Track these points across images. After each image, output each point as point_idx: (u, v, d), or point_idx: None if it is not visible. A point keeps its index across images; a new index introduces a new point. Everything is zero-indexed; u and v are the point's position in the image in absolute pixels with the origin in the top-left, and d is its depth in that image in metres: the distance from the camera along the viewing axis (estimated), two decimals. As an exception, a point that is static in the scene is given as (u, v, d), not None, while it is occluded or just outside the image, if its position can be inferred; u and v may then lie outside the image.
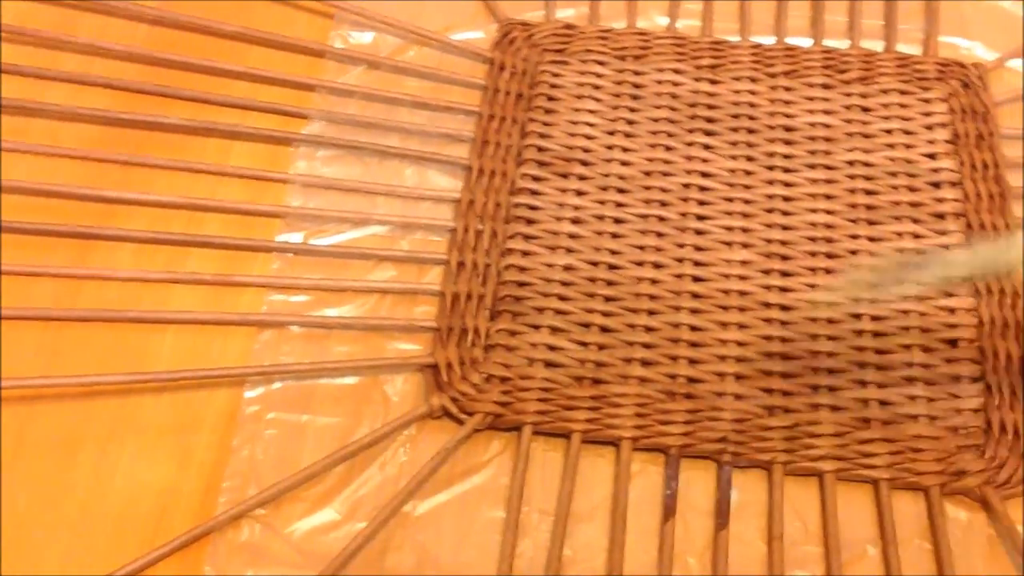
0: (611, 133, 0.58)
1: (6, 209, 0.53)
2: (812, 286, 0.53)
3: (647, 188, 0.56)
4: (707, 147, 0.58)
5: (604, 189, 0.56)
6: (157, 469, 0.47)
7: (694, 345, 0.51)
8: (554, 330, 0.51)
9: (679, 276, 0.53)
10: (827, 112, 0.59)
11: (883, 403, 0.49)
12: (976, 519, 0.47)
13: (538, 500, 0.47)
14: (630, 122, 0.59)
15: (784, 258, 0.54)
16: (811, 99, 0.60)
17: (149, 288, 0.52)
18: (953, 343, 0.51)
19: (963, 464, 0.47)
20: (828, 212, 0.55)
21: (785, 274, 0.53)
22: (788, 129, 0.59)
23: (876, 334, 0.51)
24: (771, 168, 0.57)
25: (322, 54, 0.61)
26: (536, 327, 0.51)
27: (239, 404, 0.48)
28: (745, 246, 0.54)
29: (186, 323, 0.51)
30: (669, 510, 0.46)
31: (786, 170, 0.57)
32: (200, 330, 0.51)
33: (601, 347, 0.51)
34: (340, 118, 0.58)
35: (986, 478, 0.47)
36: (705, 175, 0.57)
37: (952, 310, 0.52)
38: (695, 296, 0.53)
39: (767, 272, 0.53)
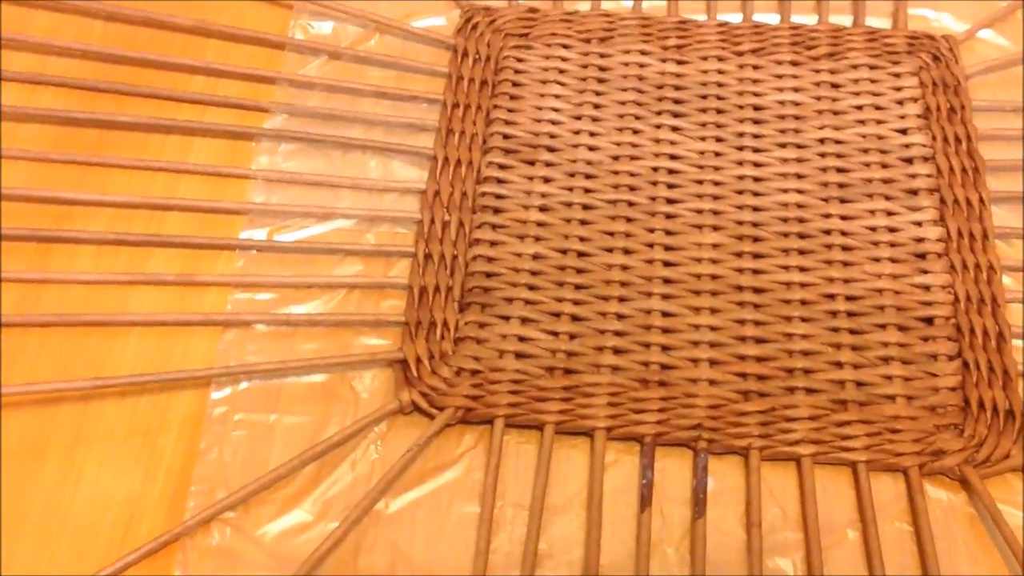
0: (577, 118, 0.58)
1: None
2: (785, 267, 0.52)
3: (615, 173, 0.55)
4: (675, 129, 0.57)
5: (572, 175, 0.55)
6: (123, 476, 0.46)
7: (667, 331, 0.50)
8: (524, 320, 0.50)
9: (650, 261, 0.52)
10: (796, 90, 0.59)
11: (859, 384, 0.49)
12: (956, 499, 0.46)
13: (512, 494, 0.46)
14: (596, 106, 0.58)
15: (756, 240, 0.53)
16: (780, 77, 0.59)
17: (111, 290, 0.51)
18: (929, 321, 0.51)
19: (942, 444, 0.47)
20: (799, 192, 0.55)
21: (757, 256, 0.53)
22: (757, 108, 0.58)
23: (851, 314, 0.51)
24: (741, 148, 0.56)
25: (282, 46, 0.60)
26: (506, 318, 0.51)
27: (205, 406, 0.48)
28: (716, 229, 0.53)
29: (149, 325, 0.50)
30: (645, 500, 0.46)
31: (756, 150, 0.56)
32: (163, 332, 0.50)
33: (572, 336, 0.50)
34: (301, 111, 0.57)
35: (965, 457, 0.46)
36: (674, 157, 0.56)
37: (927, 287, 0.51)
38: (666, 281, 0.52)
39: (739, 255, 0.53)
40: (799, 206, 0.54)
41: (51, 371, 0.48)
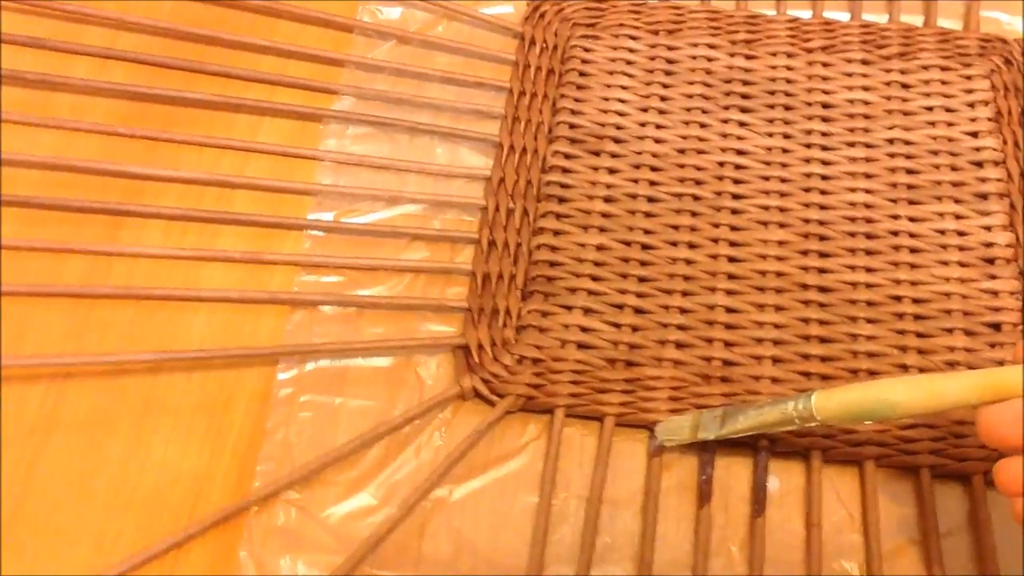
0: (644, 110, 0.57)
1: (32, 184, 0.53)
2: (851, 267, 0.52)
3: (681, 166, 0.55)
4: (743, 124, 0.57)
5: (637, 167, 0.55)
6: (191, 452, 0.46)
7: (730, 327, 0.50)
8: (587, 311, 0.51)
9: (714, 256, 0.52)
10: (866, 88, 0.58)
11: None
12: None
13: (577, 486, 0.46)
14: (663, 98, 0.58)
15: (822, 238, 0.53)
16: (849, 75, 0.59)
17: (180, 267, 0.51)
18: (996, 327, 0.50)
19: (1006, 450, 0.46)
20: (867, 191, 0.54)
21: (823, 255, 0.52)
22: (826, 106, 0.58)
23: (917, 317, 0.50)
24: (808, 146, 0.56)
25: (351, 29, 0.60)
26: (568, 308, 0.51)
27: (272, 386, 0.48)
28: (782, 226, 0.53)
29: (215, 301, 0.50)
30: (704, 496, 0.46)
31: (824, 148, 0.56)
32: (231, 311, 0.50)
33: (635, 329, 0.50)
34: (370, 94, 0.57)
35: (1030, 465, 0.46)
36: (741, 153, 0.56)
37: (995, 293, 0.51)
38: (731, 277, 0.52)
39: (805, 253, 0.52)
40: (867, 206, 0.54)
41: (120, 344, 0.49)
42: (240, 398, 0.48)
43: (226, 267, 0.51)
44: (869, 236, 0.53)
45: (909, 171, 0.55)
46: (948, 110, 0.57)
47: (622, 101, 0.58)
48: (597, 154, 0.56)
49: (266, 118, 0.57)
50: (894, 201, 0.54)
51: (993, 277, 0.52)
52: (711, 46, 0.60)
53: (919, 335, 0.50)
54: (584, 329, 0.50)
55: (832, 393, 0.41)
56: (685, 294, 0.51)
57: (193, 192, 0.53)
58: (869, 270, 0.52)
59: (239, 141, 0.55)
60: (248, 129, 0.56)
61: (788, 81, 0.59)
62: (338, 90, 0.57)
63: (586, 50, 0.60)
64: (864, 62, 0.59)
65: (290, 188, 0.54)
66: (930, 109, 0.57)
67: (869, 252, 0.52)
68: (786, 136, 0.56)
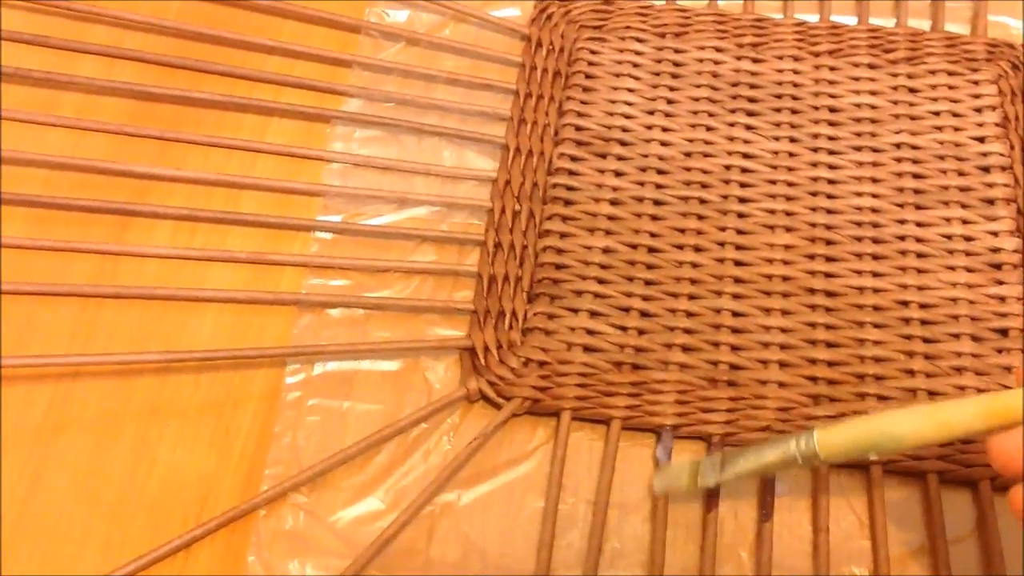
0: (650, 112, 0.57)
1: (39, 184, 0.53)
2: (858, 272, 0.52)
3: (687, 169, 0.55)
4: (749, 128, 0.57)
5: (643, 170, 0.55)
6: (198, 454, 0.46)
7: (736, 331, 0.50)
8: (593, 314, 0.51)
9: (721, 260, 0.52)
10: (873, 93, 0.58)
11: (931, 393, 0.48)
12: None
13: (585, 491, 0.46)
14: (670, 101, 0.58)
15: (829, 243, 0.53)
16: (856, 79, 0.59)
17: (187, 267, 0.51)
18: (1004, 332, 0.50)
19: (1012, 456, 0.46)
20: (874, 196, 0.54)
21: (830, 259, 0.52)
22: (833, 110, 0.58)
23: (924, 322, 0.50)
24: (815, 150, 0.56)
25: (358, 30, 0.60)
26: (574, 311, 0.51)
27: (279, 389, 0.48)
28: (789, 230, 0.53)
29: (222, 302, 0.50)
30: (713, 501, 0.46)
31: (831, 152, 0.56)
32: (239, 314, 0.50)
33: (641, 332, 0.50)
34: (377, 96, 0.57)
35: (1036, 471, 0.46)
36: (747, 156, 0.56)
37: (1003, 298, 0.51)
38: (737, 281, 0.52)
39: (811, 257, 0.52)
40: (874, 210, 0.54)
41: (127, 345, 0.49)
42: (248, 401, 0.48)
43: (234, 268, 0.51)
44: (876, 241, 0.53)
45: (916, 176, 0.55)
46: (955, 115, 0.57)
47: (628, 104, 0.58)
48: (603, 157, 0.56)
49: (273, 119, 0.57)
50: (901, 206, 0.54)
51: (1000, 283, 0.52)
52: (718, 49, 0.60)
53: (925, 340, 0.50)
54: (590, 332, 0.50)
55: (835, 430, 0.41)
56: (691, 297, 0.51)
57: (201, 192, 0.53)
58: (876, 275, 0.52)
59: (246, 141, 0.55)
60: (255, 130, 0.56)
61: (795, 85, 0.59)
62: (345, 91, 0.57)
63: (593, 52, 0.60)
64: (871, 66, 0.59)
65: (298, 189, 0.54)
66: (937, 114, 0.57)
67: (876, 257, 0.52)
68: (793, 140, 0.57)
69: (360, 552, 0.43)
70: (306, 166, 0.55)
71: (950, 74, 0.59)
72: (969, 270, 0.52)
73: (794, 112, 0.58)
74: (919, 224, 0.53)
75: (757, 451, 0.43)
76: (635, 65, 0.59)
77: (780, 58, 0.60)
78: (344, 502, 0.45)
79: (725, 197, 0.54)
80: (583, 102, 0.58)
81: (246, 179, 0.54)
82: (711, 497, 0.46)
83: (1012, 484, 0.38)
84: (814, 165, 0.56)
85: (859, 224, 0.53)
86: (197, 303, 0.50)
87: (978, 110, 0.58)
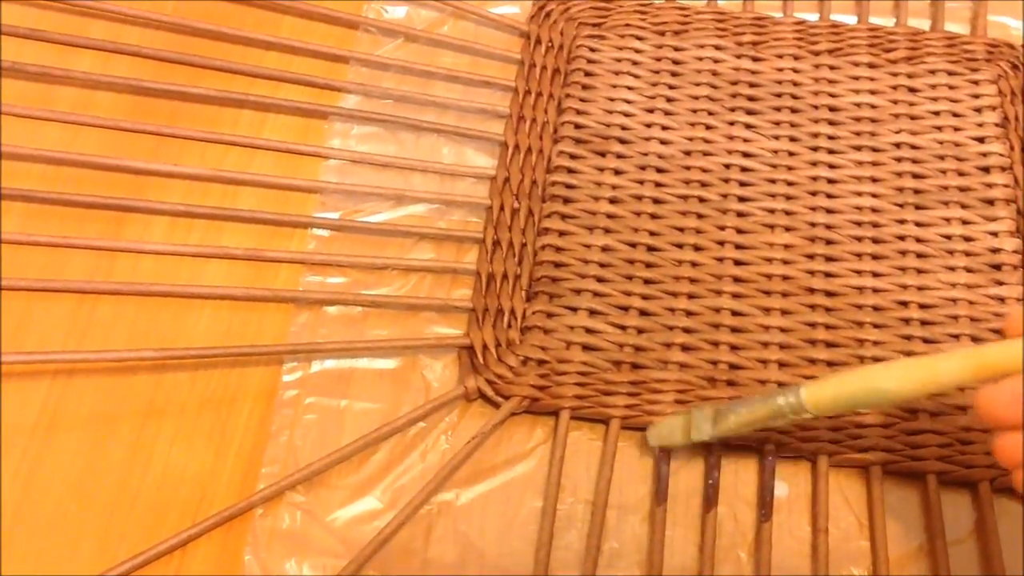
0: (650, 111, 0.57)
1: (36, 179, 0.52)
2: (858, 272, 0.52)
3: (687, 168, 0.55)
4: (749, 126, 0.57)
5: (643, 168, 0.55)
6: (195, 452, 0.46)
7: (736, 331, 0.50)
8: (592, 312, 0.50)
9: (720, 259, 0.52)
10: (873, 92, 0.58)
11: (931, 393, 0.48)
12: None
13: (584, 491, 0.46)
14: (669, 99, 0.58)
15: (828, 242, 0.53)
16: (856, 79, 0.59)
17: (184, 263, 0.51)
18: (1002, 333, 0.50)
19: (1012, 457, 0.46)
20: (874, 196, 0.54)
21: (829, 259, 0.52)
22: (832, 109, 0.57)
23: (924, 322, 0.50)
24: (815, 149, 0.56)
25: (356, 26, 0.60)
26: (573, 309, 0.50)
27: (276, 387, 0.48)
28: (788, 229, 0.53)
29: (218, 299, 0.50)
30: (710, 501, 0.46)
31: (830, 151, 0.56)
32: (236, 311, 0.50)
33: (640, 331, 0.50)
34: (375, 92, 0.57)
35: (1036, 472, 0.46)
36: (747, 155, 0.56)
37: (1002, 299, 0.51)
38: (737, 280, 0.52)
39: (811, 257, 0.52)
40: (873, 210, 0.54)
41: (123, 342, 0.48)
42: (245, 399, 0.47)
43: (230, 265, 0.51)
44: (875, 241, 0.53)
45: (915, 176, 0.55)
46: (955, 115, 0.57)
47: (628, 101, 0.57)
48: (602, 154, 0.55)
49: (271, 115, 0.56)
50: (900, 206, 0.54)
51: (999, 283, 0.51)
52: (717, 47, 0.60)
53: (925, 340, 0.50)
54: (589, 331, 0.50)
55: (822, 384, 0.41)
56: (691, 296, 0.51)
57: (198, 188, 0.53)
58: (875, 275, 0.52)
59: (244, 137, 0.55)
60: (253, 126, 0.56)
61: (795, 84, 0.58)
62: (343, 87, 0.57)
63: (592, 50, 0.60)
64: (871, 65, 0.59)
65: (295, 186, 0.54)
66: (937, 114, 0.57)
67: (875, 257, 0.52)
68: (792, 139, 0.56)
69: (357, 552, 0.43)
70: (304, 163, 0.55)
71: (950, 74, 0.59)
72: (969, 270, 0.52)
73: (794, 111, 0.57)
74: (919, 224, 0.53)
75: (748, 406, 0.43)
76: (634, 63, 0.59)
77: (780, 57, 0.59)
78: (341, 501, 0.45)
79: (724, 196, 0.54)
80: (582, 100, 0.57)
81: (243, 175, 0.54)
82: (710, 497, 0.45)
83: (998, 434, 0.37)
84: (814, 164, 0.55)
85: (859, 224, 0.53)
86: (193, 300, 0.50)
87: (978, 110, 0.57)
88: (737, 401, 0.44)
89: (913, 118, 0.57)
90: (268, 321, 0.50)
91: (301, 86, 0.57)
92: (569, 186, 0.54)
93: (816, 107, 0.57)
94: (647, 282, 0.51)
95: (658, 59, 0.59)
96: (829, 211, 0.54)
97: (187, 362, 0.48)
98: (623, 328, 0.50)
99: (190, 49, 0.58)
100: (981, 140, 0.56)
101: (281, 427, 0.47)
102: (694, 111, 0.57)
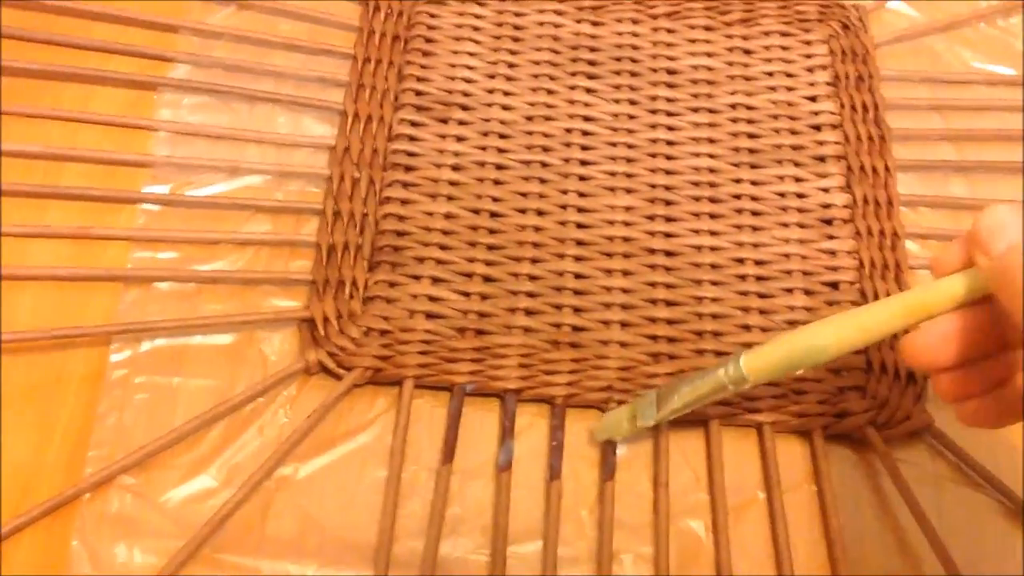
0: (491, 76, 0.57)
1: None
2: (696, 231, 0.52)
3: (529, 133, 0.55)
4: (589, 91, 0.57)
5: (485, 134, 0.55)
6: (17, 441, 0.44)
7: (579, 293, 0.50)
8: (435, 280, 0.50)
9: (563, 223, 0.52)
10: (709, 55, 0.59)
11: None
12: (862, 460, 0.47)
13: (426, 458, 0.46)
14: (511, 65, 0.57)
15: (668, 203, 0.53)
16: (693, 41, 0.59)
17: (5, 244, 0.48)
18: (835, 286, 0.51)
19: (845, 405, 0.48)
20: (711, 156, 0.55)
21: (669, 219, 0.53)
22: (671, 72, 0.58)
23: (759, 278, 0.51)
24: (654, 112, 0.56)
25: (187, -7, 0.58)
26: (416, 278, 0.50)
27: (104, 368, 0.46)
28: (629, 191, 0.53)
29: (43, 279, 0.48)
30: (555, 462, 0.46)
31: (669, 114, 0.56)
32: (62, 290, 0.48)
33: (484, 297, 0.50)
34: (206, 61, 0.55)
35: (868, 419, 0.47)
36: (588, 119, 0.56)
37: (833, 253, 0.52)
38: (579, 243, 0.52)
39: (651, 218, 0.53)
40: (711, 171, 0.54)
41: (-60, 328, 0.46)
42: (70, 382, 0.46)
43: (55, 244, 0.49)
44: (713, 200, 0.53)
45: (751, 136, 0.56)
46: (788, 75, 0.58)
47: (469, 68, 0.57)
48: (444, 122, 0.55)
49: (97, 88, 0.54)
50: (737, 165, 0.55)
51: (831, 237, 0.53)
52: (558, 12, 0.60)
53: (761, 296, 0.51)
54: (433, 299, 0.49)
55: (759, 352, 0.41)
56: (534, 261, 0.51)
57: (20, 165, 0.51)
58: (713, 233, 0.52)
59: (69, 112, 0.53)
60: (79, 99, 0.54)
61: (634, 48, 0.59)
62: (173, 57, 0.55)
63: (432, 16, 0.59)
64: (707, 28, 0.60)
65: (123, 160, 0.52)
66: (771, 75, 0.58)
67: (713, 216, 0.53)
68: (632, 102, 0.57)
69: (193, 533, 0.42)
70: (133, 136, 0.53)
71: (783, 35, 0.60)
72: (801, 226, 0.53)
73: (633, 75, 0.58)
74: (754, 183, 0.54)
75: (690, 384, 0.43)
76: (475, 28, 0.59)
77: (619, 21, 0.60)
78: (174, 481, 0.44)
79: (567, 160, 0.54)
80: (423, 67, 0.57)
81: (68, 150, 0.51)
82: (554, 460, 0.46)
83: (936, 377, 0.39)
84: (653, 127, 0.56)
85: (697, 184, 0.54)
86: (15, 282, 0.48)
87: (810, 70, 0.59)
88: (676, 380, 0.44)
89: (748, 79, 0.58)
90: (95, 299, 0.48)
91: (131, 57, 0.55)
92: (411, 154, 0.54)
93: (655, 70, 0.58)
94: (491, 248, 0.51)
95: (499, 24, 0.59)
96: (668, 172, 0.54)
97: (8, 345, 0.46)
98: (467, 295, 0.50)
99: (14, 22, 0.55)
100: (813, 99, 0.57)
101: (109, 408, 0.45)
102: (535, 76, 0.57)
